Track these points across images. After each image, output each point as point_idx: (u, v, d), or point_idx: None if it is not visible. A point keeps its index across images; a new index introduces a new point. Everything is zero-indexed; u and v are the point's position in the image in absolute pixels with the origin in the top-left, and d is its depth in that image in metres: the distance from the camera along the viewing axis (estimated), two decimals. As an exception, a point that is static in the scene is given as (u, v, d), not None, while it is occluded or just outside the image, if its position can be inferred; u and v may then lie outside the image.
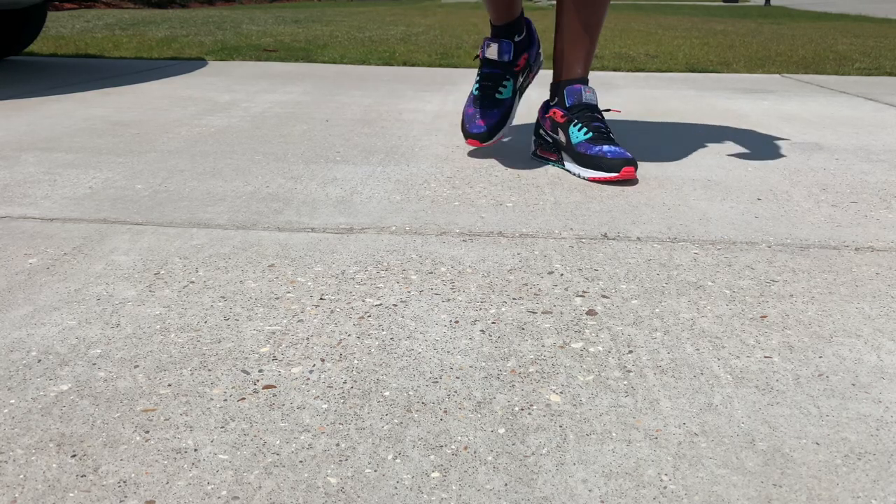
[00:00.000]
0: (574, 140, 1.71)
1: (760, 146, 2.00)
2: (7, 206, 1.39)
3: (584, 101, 1.75)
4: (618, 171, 1.61)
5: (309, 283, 1.08)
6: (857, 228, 1.34)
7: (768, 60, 4.16)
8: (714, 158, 1.86)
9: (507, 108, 1.85)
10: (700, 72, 3.72)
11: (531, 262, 1.17)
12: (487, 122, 1.81)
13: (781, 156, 1.89)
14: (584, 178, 1.67)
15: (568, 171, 1.74)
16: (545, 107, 1.83)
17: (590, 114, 1.74)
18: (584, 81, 1.79)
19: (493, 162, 1.79)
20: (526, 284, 1.09)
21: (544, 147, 1.82)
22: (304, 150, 1.89)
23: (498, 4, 1.81)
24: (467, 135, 1.82)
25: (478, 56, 1.89)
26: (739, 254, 1.21)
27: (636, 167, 1.62)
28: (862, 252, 1.23)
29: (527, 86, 1.93)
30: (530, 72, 1.92)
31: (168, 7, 10.08)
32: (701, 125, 2.30)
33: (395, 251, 1.21)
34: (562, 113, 1.75)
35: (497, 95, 1.84)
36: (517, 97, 1.89)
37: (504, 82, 1.85)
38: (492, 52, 1.83)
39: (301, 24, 6.72)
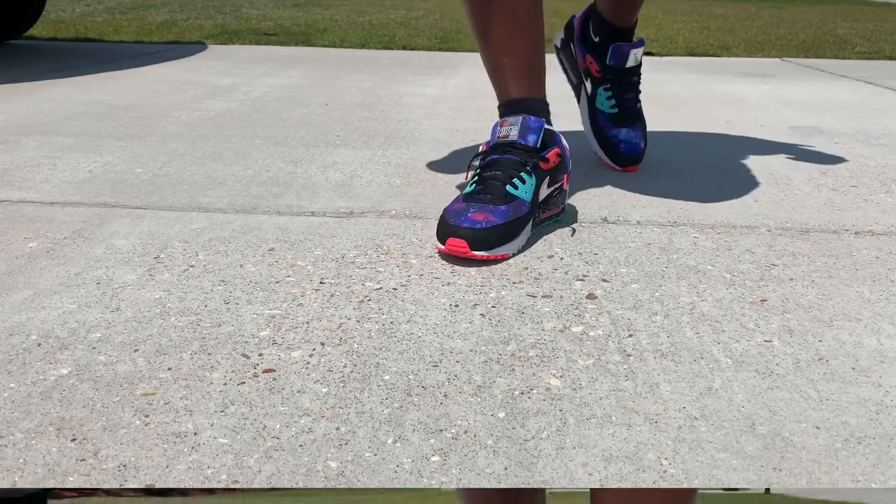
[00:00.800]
0: (598, 105, 1.58)
1: (760, 130, 2.00)
2: (7, 190, 1.39)
3: (626, 65, 1.54)
4: (622, 167, 1.57)
5: (309, 267, 1.08)
6: (857, 212, 1.33)
7: (768, 44, 4.15)
8: (714, 142, 1.85)
9: (522, 211, 1.16)
10: (700, 56, 3.71)
11: (531, 247, 1.17)
12: (487, 217, 1.12)
13: (781, 140, 1.89)
14: (591, 148, 1.62)
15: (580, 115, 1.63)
16: (586, 32, 1.59)
17: (626, 79, 1.56)
18: (632, 34, 1.57)
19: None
20: (526, 268, 1.09)
21: (569, 61, 1.63)
22: (303, 133, 1.88)
23: (520, 55, 1.30)
24: (447, 232, 1.11)
25: (477, 156, 1.26)
26: (739, 238, 1.21)
27: (641, 161, 1.59)
28: (862, 236, 1.23)
29: (548, 221, 1.26)
30: (559, 191, 1.26)
31: (167, -10, 10.03)
32: (701, 109, 2.30)
33: (395, 235, 1.21)
34: (598, 68, 1.56)
35: (508, 188, 1.17)
36: (535, 218, 1.20)
37: (521, 174, 1.18)
38: (508, 130, 1.23)
39: (301, 8, 6.70)
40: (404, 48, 3.86)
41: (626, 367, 0.83)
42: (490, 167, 1.19)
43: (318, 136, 1.86)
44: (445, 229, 1.11)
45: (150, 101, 2.31)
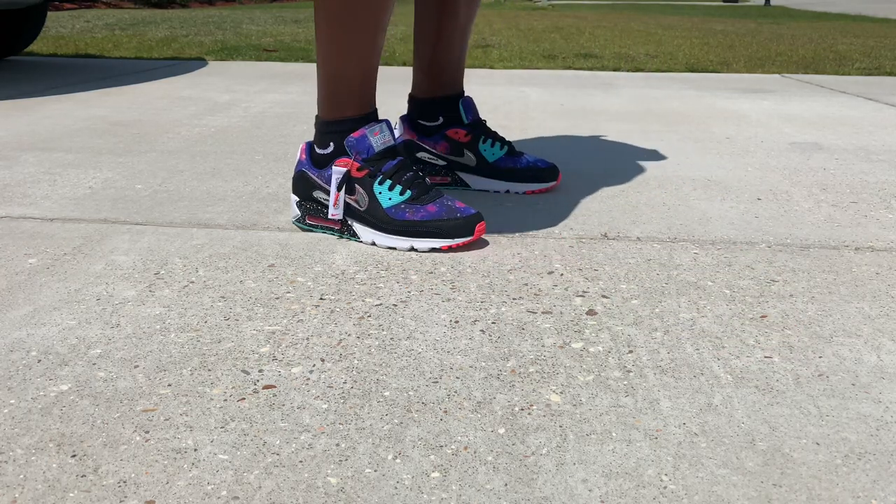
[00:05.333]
0: (490, 158, 1.54)
1: (760, 146, 2.00)
2: (7, 206, 1.39)
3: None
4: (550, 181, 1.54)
5: (309, 283, 1.08)
6: (857, 228, 1.34)
7: (768, 60, 4.16)
8: (714, 158, 1.86)
9: None
10: (700, 72, 3.72)
11: (531, 262, 1.17)
12: (463, 203, 1.33)
13: (781, 156, 1.89)
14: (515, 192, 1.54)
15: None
16: (422, 129, 1.55)
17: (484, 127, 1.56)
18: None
19: (493, 162, 1.79)
20: (526, 284, 1.09)
21: (429, 170, 1.57)
22: (304, 150, 1.89)
23: (375, 66, 1.28)
24: (465, 224, 1.23)
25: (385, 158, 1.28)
26: (739, 254, 1.21)
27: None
28: (862, 252, 1.23)
29: None
30: None
31: (168, 7, 10.08)
32: (701, 125, 2.30)
33: (395, 251, 1.21)
34: (465, 132, 1.53)
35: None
36: None
37: None
38: (383, 133, 1.28)
39: (301, 24, 6.72)
40: (404, 64, 3.87)
41: (626, 383, 0.83)
42: (404, 169, 1.28)
43: (319, 152, 1.86)
44: (459, 223, 1.22)
45: (150, 117, 2.31)
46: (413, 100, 1.56)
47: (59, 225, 1.29)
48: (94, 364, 0.85)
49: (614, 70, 3.76)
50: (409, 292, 1.06)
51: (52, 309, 0.99)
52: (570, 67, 3.80)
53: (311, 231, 1.30)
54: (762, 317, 1.00)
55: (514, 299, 1.04)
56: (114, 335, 0.92)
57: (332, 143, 1.26)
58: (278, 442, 0.72)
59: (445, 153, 1.54)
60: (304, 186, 1.29)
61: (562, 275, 1.13)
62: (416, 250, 1.22)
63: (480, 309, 1.01)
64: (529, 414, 0.77)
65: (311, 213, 1.29)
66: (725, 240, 1.27)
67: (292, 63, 3.90)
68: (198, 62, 3.81)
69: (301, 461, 0.69)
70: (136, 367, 0.85)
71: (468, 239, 1.22)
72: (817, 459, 0.70)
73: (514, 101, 2.70)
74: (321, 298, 1.03)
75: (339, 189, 1.24)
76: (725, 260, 1.19)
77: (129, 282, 1.08)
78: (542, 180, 1.54)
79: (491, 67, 3.78)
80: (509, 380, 0.83)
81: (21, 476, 0.66)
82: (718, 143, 2.03)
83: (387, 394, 0.80)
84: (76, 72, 3.31)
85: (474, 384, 0.82)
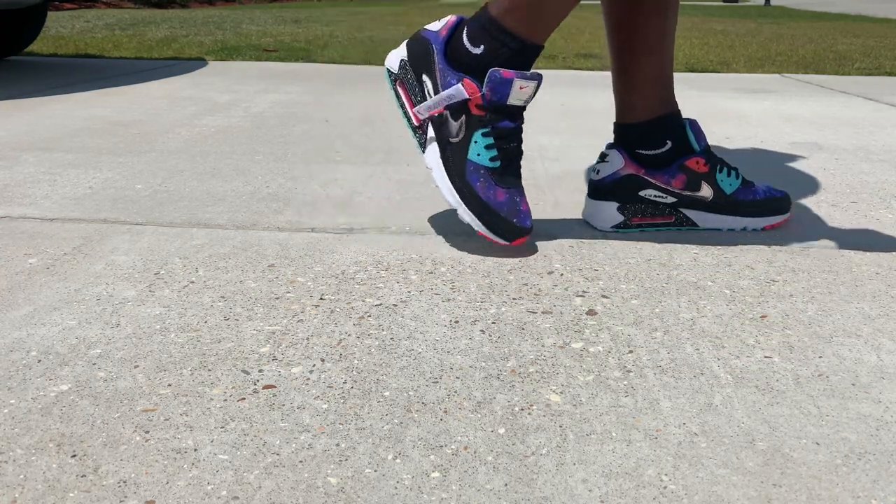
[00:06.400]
0: (729, 190, 1.30)
1: (760, 146, 2.00)
2: (7, 206, 1.39)
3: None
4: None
5: (309, 283, 1.08)
6: (857, 228, 1.34)
7: (768, 60, 4.16)
8: (714, 158, 1.85)
9: None
10: (700, 72, 3.72)
11: (531, 262, 1.17)
12: (528, 204, 1.23)
13: (781, 156, 1.89)
14: (757, 229, 1.34)
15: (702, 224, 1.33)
16: (646, 159, 1.31)
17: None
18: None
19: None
20: (526, 284, 1.09)
21: (649, 212, 1.31)
22: (304, 150, 1.89)
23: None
24: (514, 232, 1.18)
25: (474, 102, 1.17)
26: (739, 254, 1.21)
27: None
28: (862, 252, 1.23)
29: None
30: None
31: (168, 7, 10.08)
32: (701, 125, 2.30)
33: (395, 251, 1.21)
34: (704, 161, 1.29)
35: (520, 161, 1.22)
36: None
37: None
38: (528, 90, 1.16)
39: (301, 24, 6.72)
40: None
41: (626, 383, 0.83)
42: (503, 137, 1.18)
43: (319, 153, 1.86)
44: (511, 229, 1.18)
45: (150, 117, 2.31)
46: (626, 126, 1.32)
47: (59, 225, 1.29)
48: (94, 364, 0.85)
49: (614, 70, 3.75)
50: (409, 292, 1.06)
51: (52, 309, 0.99)
52: (570, 67, 3.80)
53: (396, 100, 1.28)
54: (762, 317, 1.00)
55: (514, 299, 1.04)
56: (114, 335, 0.92)
57: (483, 45, 1.16)
58: (278, 442, 0.72)
59: (681, 188, 1.30)
60: (423, 59, 1.21)
61: (562, 275, 1.13)
62: (459, 216, 1.21)
63: (480, 309, 1.01)
64: (529, 414, 0.77)
65: (402, 83, 1.24)
66: (725, 240, 1.27)
67: (292, 63, 3.90)
68: (198, 62, 3.81)
69: (301, 461, 0.69)
70: (136, 367, 0.85)
71: (504, 243, 1.20)
72: (817, 459, 0.70)
73: (514, 101, 2.69)
74: (321, 298, 1.03)
75: (446, 108, 1.18)
76: (725, 260, 1.19)
77: (129, 282, 1.08)
78: (782, 211, 1.34)
79: (491, 67, 3.78)
80: (509, 380, 0.83)
81: (21, 476, 0.66)
82: (718, 143, 2.03)
83: (387, 394, 0.80)
84: (76, 72, 3.31)
85: (474, 384, 0.82)
